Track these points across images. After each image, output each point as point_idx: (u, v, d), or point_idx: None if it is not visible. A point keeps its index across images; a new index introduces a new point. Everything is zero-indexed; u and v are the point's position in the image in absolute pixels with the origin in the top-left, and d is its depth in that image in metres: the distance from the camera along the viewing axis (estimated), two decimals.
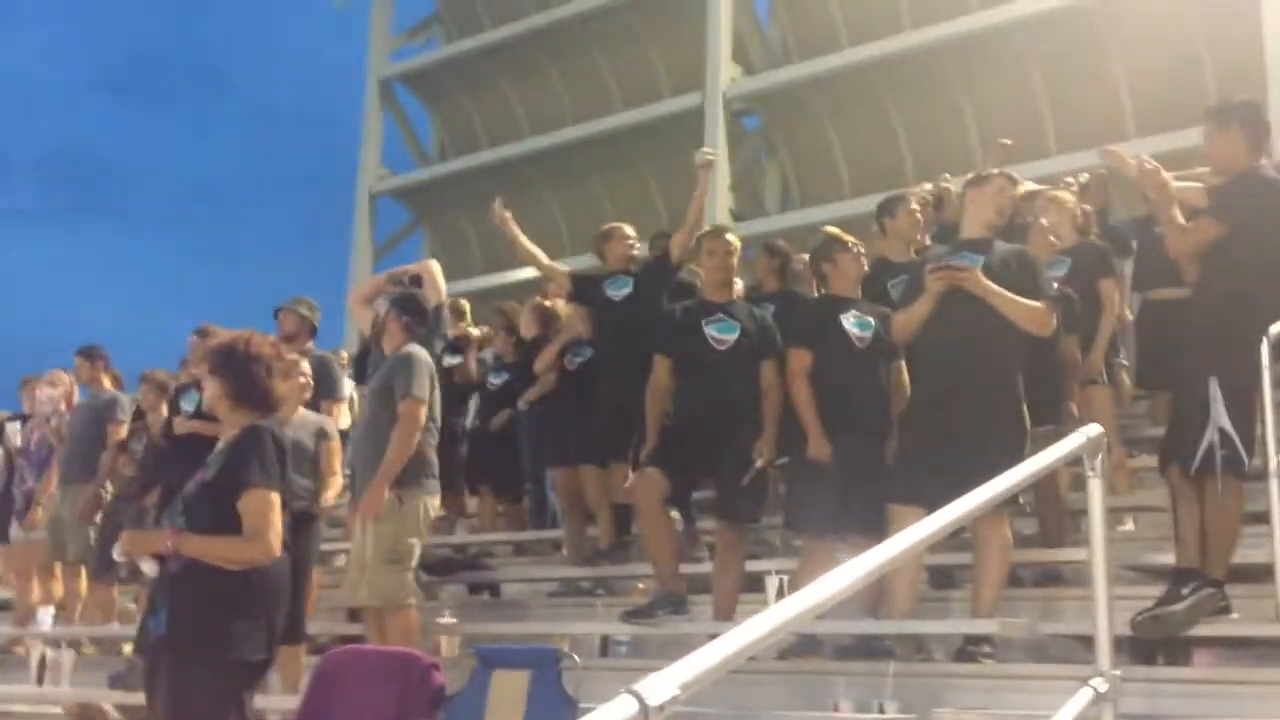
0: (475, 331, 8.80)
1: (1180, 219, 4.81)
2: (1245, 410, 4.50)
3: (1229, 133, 4.77)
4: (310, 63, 54.86)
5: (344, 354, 9.84)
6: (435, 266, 6.29)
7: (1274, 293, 4.66)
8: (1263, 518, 4.45)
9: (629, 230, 7.18)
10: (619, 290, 6.89)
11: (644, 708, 1.69)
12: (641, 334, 6.23)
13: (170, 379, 7.50)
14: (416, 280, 6.16)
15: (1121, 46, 16.02)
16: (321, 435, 5.91)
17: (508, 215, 7.22)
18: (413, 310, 5.70)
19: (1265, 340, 4.43)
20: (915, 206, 6.39)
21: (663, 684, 1.75)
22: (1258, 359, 4.42)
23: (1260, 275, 4.65)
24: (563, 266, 7.62)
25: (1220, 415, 4.49)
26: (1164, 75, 15.38)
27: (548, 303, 8.12)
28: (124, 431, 7.74)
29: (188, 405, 6.60)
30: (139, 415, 7.76)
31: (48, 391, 8.22)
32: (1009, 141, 7.90)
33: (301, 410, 5.91)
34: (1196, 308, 4.87)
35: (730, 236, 5.97)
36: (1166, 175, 4.86)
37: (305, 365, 6.00)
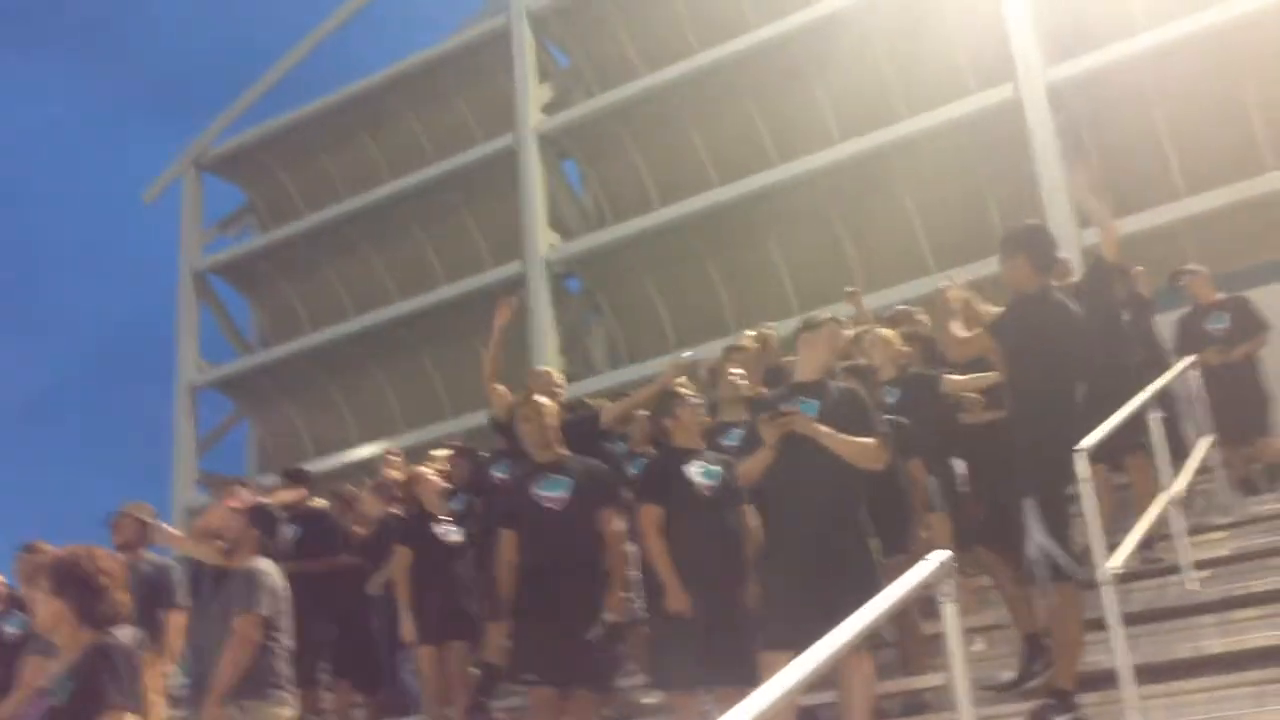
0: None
1: (959, 330, 5.26)
2: (1060, 523, 4.76)
3: (1014, 260, 5.16)
4: (120, 260, 53.77)
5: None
6: None
7: (1070, 407, 4.98)
8: (1102, 624, 4.64)
9: (557, 375, 7.39)
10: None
11: None
12: None
13: None
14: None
15: (914, 188, 17.04)
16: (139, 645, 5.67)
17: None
18: (265, 524, 5.72)
19: (1077, 454, 4.70)
20: (736, 373, 6.62)
21: None
22: (1066, 471, 4.67)
23: (1055, 391, 4.97)
24: (508, 394, 7.39)
25: (1037, 532, 4.73)
26: (953, 212, 16.41)
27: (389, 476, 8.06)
28: None
29: (11, 627, 6.28)
30: None
31: None
32: (854, 289, 8.73)
33: None
34: (1009, 428, 5.17)
35: (541, 399, 6.10)
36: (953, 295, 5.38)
37: None
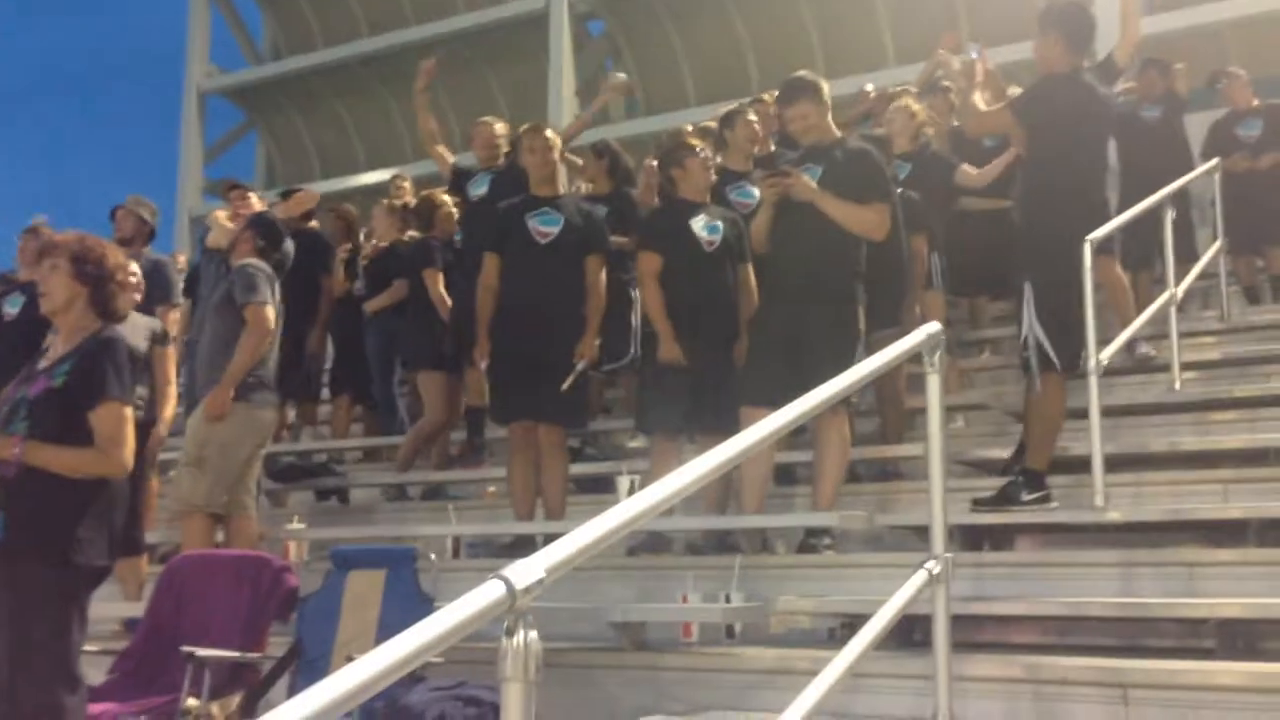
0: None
1: (979, 103, 5.09)
2: (1056, 312, 4.72)
3: (1049, 37, 4.96)
4: None
5: (180, 258, 9.52)
6: None
7: (1084, 196, 4.88)
8: (1083, 413, 4.70)
9: (498, 127, 7.09)
10: (477, 189, 6.81)
11: (511, 591, 1.74)
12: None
13: None
14: None
15: None
16: (154, 339, 5.76)
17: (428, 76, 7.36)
18: (268, 235, 5.76)
19: (1087, 243, 4.64)
20: (753, 118, 6.40)
21: (530, 568, 1.80)
22: (1069, 261, 4.61)
23: (1070, 178, 4.85)
24: (449, 155, 7.38)
25: (1030, 319, 4.72)
26: None
27: (399, 202, 7.99)
28: None
29: (11, 308, 6.36)
30: None
31: None
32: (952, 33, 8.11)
33: (133, 313, 5.76)
34: (1017, 213, 5.09)
35: (549, 133, 5.98)
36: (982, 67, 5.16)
37: (134, 266, 5.84)
